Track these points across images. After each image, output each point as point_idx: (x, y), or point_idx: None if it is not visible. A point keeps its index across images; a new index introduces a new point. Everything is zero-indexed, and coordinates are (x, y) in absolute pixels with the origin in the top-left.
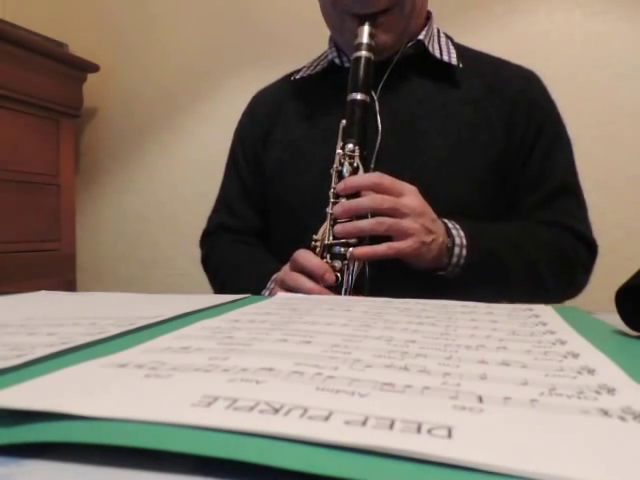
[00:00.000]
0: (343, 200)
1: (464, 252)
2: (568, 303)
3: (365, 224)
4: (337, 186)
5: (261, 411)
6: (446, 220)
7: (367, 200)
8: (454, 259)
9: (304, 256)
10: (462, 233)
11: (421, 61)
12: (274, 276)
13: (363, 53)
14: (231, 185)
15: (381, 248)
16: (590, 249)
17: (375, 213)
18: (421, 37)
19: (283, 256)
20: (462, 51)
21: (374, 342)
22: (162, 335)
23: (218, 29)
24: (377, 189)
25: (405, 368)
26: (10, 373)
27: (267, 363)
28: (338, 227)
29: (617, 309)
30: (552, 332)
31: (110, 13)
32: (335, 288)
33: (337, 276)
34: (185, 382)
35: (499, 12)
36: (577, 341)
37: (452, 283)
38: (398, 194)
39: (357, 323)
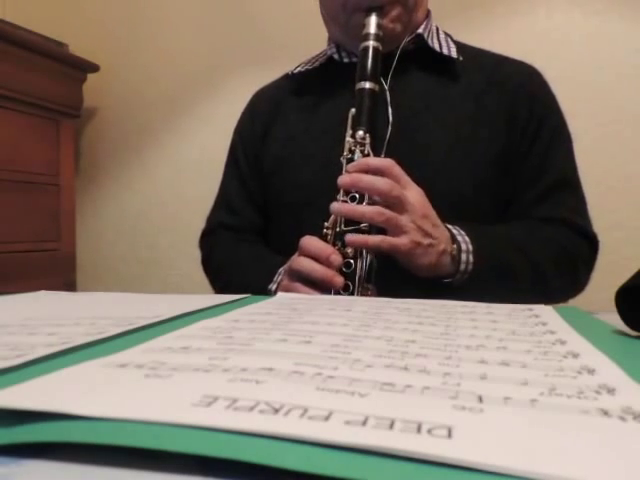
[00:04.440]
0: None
1: (471, 258)
2: (569, 303)
3: (366, 210)
4: (348, 166)
5: (261, 411)
6: (450, 226)
7: (378, 180)
8: (462, 266)
9: (309, 241)
10: (467, 239)
11: (421, 55)
12: (281, 269)
13: (371, 43)
14: (231, 183)
15: (375, 239)
16: (591, 244)
17: (377, 199)
18: (420, 31)
19: (283, 252)
20: (462, 47)
21: (374, 342)
22: (162, 335)
23: (218, 30)
24: (386, 174)
25: (405, 368)
26: (10, 373)
27: (267, 363)
28: (335, 204)
29: (617, 309)
30: (552, 332)
31: (110, 13)
32: (348, 275)
33: (350, 263)
34: (185, 382)
35: (499, 12)
36: (577, 341)
37: (458, 286)
38: (404, 186)
39: (357, 323)
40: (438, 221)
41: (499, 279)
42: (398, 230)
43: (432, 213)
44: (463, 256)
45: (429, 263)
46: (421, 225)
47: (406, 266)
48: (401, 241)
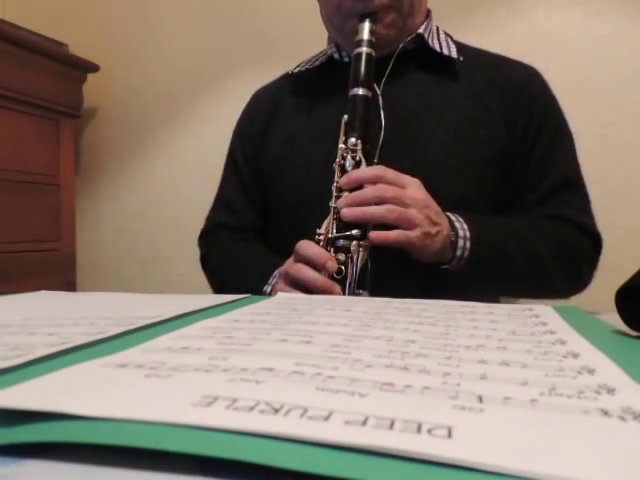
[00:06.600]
0: (346, 194)
1: (468, 244)
2: (569, 302)
3: (376, 210)
4: (340, 180)
5: (261, 411)
6: (449, 213)
7: (371, 190)
8: (458, 252)
9: (305, 246)
10: (465, 226)
11: (421, 55)
12: (276, 271)
13: (364, 49)
14: (230, 183)
15: (393, 234)
16: (594, 242)
17: (380, 204)
18: (421, 31)
19: (283, 253)
20: (462, 47)
21: (374, 342)
22: (162, 335)
23: (218, 29)
24: (380, 182)
25: (405, 368)
26: (10, 373)
27: (267, 363)
28: (346, 210)
29: (617, 309)
30: (552, 332)
31: (110, 13)
32: (339, 281)
33: (341, 269)
34: (185, 382)
35: (500, 12)
36: (577, 341)
37: (455, 277)
38: (401, 187)
39: (357, 323)
40: (439, 208)
41: (496, 267)
42: (410, 224)
43: (432, 201)
44: (460, 242)
45: (436, 250)
46: (428, 214)
47: (415, 255)
48: (414, 233)
